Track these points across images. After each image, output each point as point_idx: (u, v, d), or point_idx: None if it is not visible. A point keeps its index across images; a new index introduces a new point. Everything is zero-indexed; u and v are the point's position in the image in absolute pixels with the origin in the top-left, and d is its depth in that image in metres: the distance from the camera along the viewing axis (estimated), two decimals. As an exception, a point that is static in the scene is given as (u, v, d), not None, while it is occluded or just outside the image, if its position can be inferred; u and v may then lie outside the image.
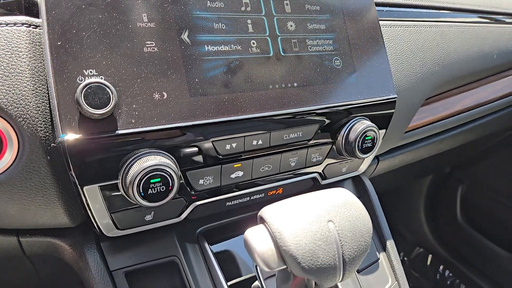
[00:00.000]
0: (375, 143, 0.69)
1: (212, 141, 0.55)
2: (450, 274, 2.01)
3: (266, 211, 0.49)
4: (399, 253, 2.47)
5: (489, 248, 1.82)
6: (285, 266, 0.47)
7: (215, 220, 0.69)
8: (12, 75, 0.46)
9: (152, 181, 0.49)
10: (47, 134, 0.48)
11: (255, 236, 0.48)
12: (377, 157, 0.90)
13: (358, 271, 0.71)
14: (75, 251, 0.58)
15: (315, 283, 0.50)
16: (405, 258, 2.19)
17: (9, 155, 0.47)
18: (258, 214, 0.50)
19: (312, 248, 0.46)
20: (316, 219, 0.48)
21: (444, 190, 2.01)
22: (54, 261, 0.64)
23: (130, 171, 0.48)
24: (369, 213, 0.79)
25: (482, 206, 1.86)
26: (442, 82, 0.89)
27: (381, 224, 0.77)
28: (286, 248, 0.46)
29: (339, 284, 0.69)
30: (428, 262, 2.10)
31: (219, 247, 0.68)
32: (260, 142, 0.59)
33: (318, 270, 0.46)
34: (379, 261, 0.74)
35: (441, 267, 2.05)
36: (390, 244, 0.76)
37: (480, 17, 1.01)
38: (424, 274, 2.09)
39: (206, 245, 0.65)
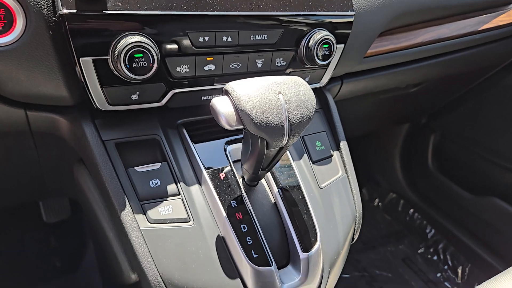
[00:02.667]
0: (332, 51, 0.80)
1: (187, 32, 0.66)
2: (419, 217, 2.20)
3: (229, 84, 0.61)
4: (374, 199, 2.64)
5: (455, 191, 1.99)
6: (242, 126, 0.60)
7: (193, 115, 0.81)
8: (19, -39, 0.56)
9: (136, 55, 0.60)
10: (49, 12, 0.58)
11: (220, 102, 0.60)
12: (341, 79, 1.02)
13: (313, 162, 0.85)
14: (73, 125, 0.70)
15: (267, 144, 0.62)
16: (379, 203, 2.36)
17: (19, 28, 0.57)
18: (223, 88, 0.62)
19: (263, 110, 0.58)
20: (269, 90, 0.60)
21: (418, 139, 2.15)
22: (54, 140, 0.76)
23: (117, 46, 0.59)
24: (327, 121, 0.92)
25: (451, 153, 2.01)
26: (403, 12, 0.99)
27: (337, 130, 0.90)
28: (243, 108, 0.58)
29: (297, 173, 0.81)
30: (400, 207, 2.28)
31: (195, 139, 0.79)
32: (229, 39, 0.70)
33: (268, 128, 0.59)
34: (332, 157, 0.87)
35: (411, 211, 2.23)
36: (343, 144, 0.88)
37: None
38: (396, 217, 2.27)
39: (184, 131, 0.77)
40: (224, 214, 0.68)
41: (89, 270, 1.66)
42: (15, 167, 0.89)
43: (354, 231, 0.84)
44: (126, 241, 0.65)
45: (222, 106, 0.59)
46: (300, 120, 0.61)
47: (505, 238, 1.79)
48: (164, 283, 0.64)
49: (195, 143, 0.77)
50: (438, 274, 1.95)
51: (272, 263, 0.67)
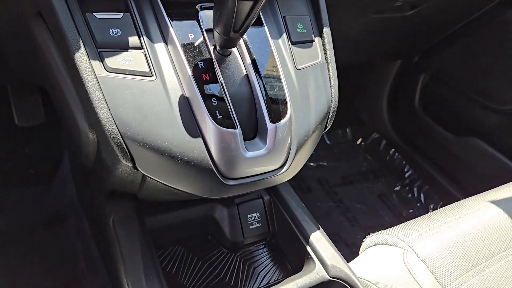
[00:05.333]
0: None
1: None
2: (399, 157, 2.21)
3: None
4: (357, 138, 2.63)
5: (437, 132, 1.98)
6: None
7: None
8: None
9: None
10: None
11: None
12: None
13: (292, 43, 0.79)
14: None
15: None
16: (362, 143, 2.36)
17: None
18: None
19: None
20: None
21: (407, 80, 2.11)
22: None
23: None
24: (313, 8, 0.85)
25: (439, 94, 1.98)
26: None
27: (322, 15, 0.82)
28: None
29: (273, 48, 0.75)
30: (382, 147, 2.28)
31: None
32: None
33: None
34: (313, 42, 0.82)
35: (392, 150, 2.24)
36: (326, 31, 0.83)
37: None
38: (376, 157, 2.29)
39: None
40: (190, 72, 0.64)
41: (65, 178, 1.64)
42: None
43: (328, 120, 0.81)
44: (82, 90, 0.61)
45: None
46: None
47: (481, 178, 1.82)
48: (120, 134, 0.60)
49: (164, 3, 0.70)
50: (411, 210, 2.00)
51: (237, 126, 0.64)
